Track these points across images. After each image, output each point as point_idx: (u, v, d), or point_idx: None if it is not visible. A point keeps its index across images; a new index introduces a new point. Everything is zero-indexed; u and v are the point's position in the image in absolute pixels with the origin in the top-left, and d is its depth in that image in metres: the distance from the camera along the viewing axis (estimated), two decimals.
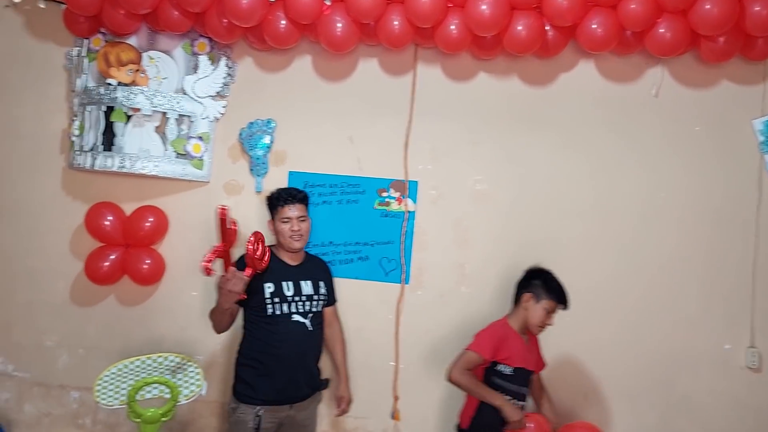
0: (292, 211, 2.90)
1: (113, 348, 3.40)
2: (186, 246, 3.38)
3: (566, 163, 3.24)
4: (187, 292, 3.38)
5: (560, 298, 2.80)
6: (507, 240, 3.26)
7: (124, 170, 3.18)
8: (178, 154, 3.27)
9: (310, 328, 2.91)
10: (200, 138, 3.30)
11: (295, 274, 2.93)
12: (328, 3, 3.02)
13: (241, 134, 3.36)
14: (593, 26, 2.91)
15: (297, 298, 2.87)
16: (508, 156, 3.28)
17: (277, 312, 2.82)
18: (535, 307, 2.79)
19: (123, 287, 3.39)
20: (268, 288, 2.82)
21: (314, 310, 2.94)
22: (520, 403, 2.78)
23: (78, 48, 3.38)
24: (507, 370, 2.75)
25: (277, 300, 2.83)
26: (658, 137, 3.21)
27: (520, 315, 2.84)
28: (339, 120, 3.35)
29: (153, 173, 3.21)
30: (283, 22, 3.06)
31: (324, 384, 3.07)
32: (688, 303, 3.16)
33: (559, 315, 3.19)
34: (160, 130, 3.27)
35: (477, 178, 3.29)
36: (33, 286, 3.46)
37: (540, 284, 2.81)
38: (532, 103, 3.26)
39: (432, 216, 3.30)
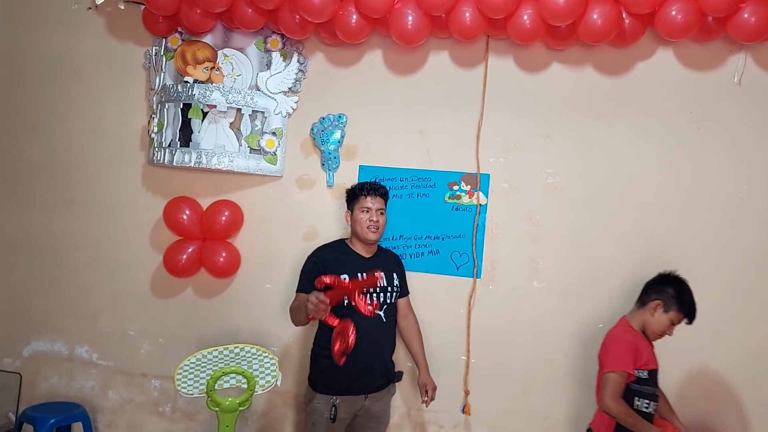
0: (373, 202, 2.94)
1: (191, 338, 3.52)
2: (261, 239, 3.46)
3: (643, 156, 3.14)
4: (262, 284, 3.45)
5: (690, 314, 2.66)
6: (581, 234, 3.20)
7: (201, 166, 3.25)
8: (252, 149, 3.34)
9: (385, 320, 2.93)
10: (273, 133, 3.36)
11: (370, 267, 2.93)
12: None
13: (312, 129, 3.41)
14: (672, 13, 2.81)
15: (372, 290, 2.88)
16: (582, 148, 3.20)
17: (353, 304, 2.83)
18: (661, 316, 2.67)
19: (200, 280, 3.49)
20: (344, 279, 2.84)
21: (388, 301, 2.95)
22: (654, 404, 2.67)
23: (156, 47, 3.50)
24: (644, 374, 2.62)
25: None
26: (741, 127, 3.07)
27: (643, 318, 2.71)
28: (409, 113, 3.35)
29: (228, 168, 3.28)
30: (355, 16, 3.07)
31: (398, 377, 3.08)
32: None
33: None
34: (235, 126, 3.34)
35: (549, 170, 3.24)
36: (117, 278, 3.62)
37: (673, 294, 2.66)
38: (608, 94, 3.18)
39: (504, 209, 3.26)
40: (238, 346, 3.21)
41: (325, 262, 2.89)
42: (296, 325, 2.93)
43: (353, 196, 3.00)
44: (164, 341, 3.57)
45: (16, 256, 3.73)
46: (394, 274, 3.02)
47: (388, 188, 3.25)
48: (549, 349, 3.22)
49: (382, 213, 2.97)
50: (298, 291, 2.91)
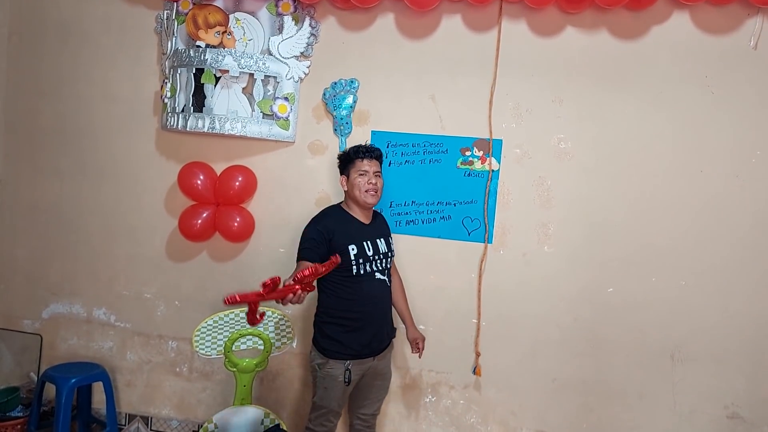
0: (370, 165, 2.91)
1: (206, 301, 3.58)
2: (274, 204, 3.49)
3: (656, 121, 3.13)
4: (275, 248, 3.49)
5: None
6: (592, 200, 3.21)
7: (214, 131, 3.26)
8: (265, 114, 3.34)
9: (388, 284, 2.98)
10: (286, 98, 3.36)
11: (371, 234, 2.94)
12: None
13: (324, 94, 3.40)
14: None
15: (376, 257, 2.90)
16: (595, 113, 3.20)
17: (362, 272, 2.84)
18: None
19: (214, 244, 3.54)
20: (352, 249, 2.83)
21: (388, 266, 2.98)
22: None
23: (167, 11, 3.47)
24: None
25: (361, 260, 2.84)
26: (756, 91, 3.05)
27: None
28: (421, 78, 3.34)
29: (241, 134, 3.28)
30: None
31: (393, 332, 3.10)
32: None
33: (645, 275, 3.17)
34: (247, 92, 3.34)
35: (561, 136, 3.23)
36: (132, 242, 3.67)
37: None
38: (621, 58, 3.15)
39: (516, 175, 3.27)
40: None
41: (331, 232, 2.81)
42: None
43: (347, 160, 2.95)
44: (180, 304, 3.64)
45: (34, 221, 3.78)
46: (390, 239, 3.05)
47: (400, 153, 3.27)
48: (559, 312, 3.27)
49: (378, 175, 2.94)
50: (300, 259, 2.77)
